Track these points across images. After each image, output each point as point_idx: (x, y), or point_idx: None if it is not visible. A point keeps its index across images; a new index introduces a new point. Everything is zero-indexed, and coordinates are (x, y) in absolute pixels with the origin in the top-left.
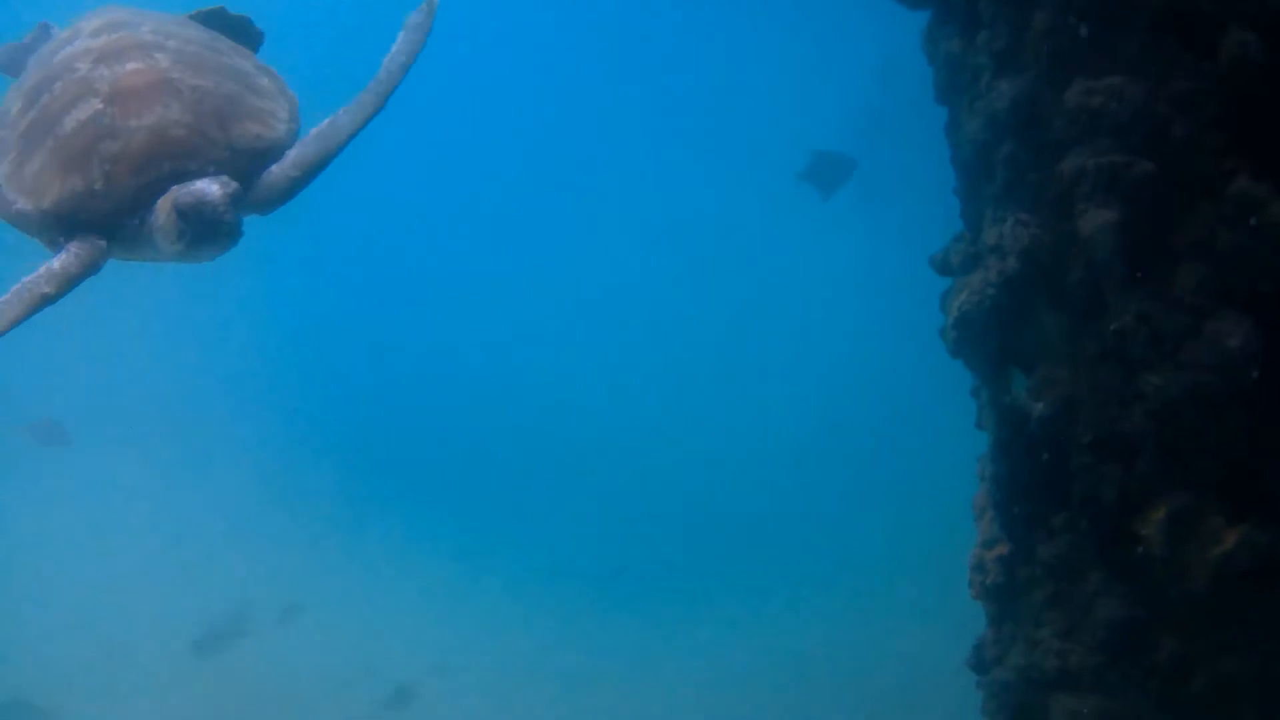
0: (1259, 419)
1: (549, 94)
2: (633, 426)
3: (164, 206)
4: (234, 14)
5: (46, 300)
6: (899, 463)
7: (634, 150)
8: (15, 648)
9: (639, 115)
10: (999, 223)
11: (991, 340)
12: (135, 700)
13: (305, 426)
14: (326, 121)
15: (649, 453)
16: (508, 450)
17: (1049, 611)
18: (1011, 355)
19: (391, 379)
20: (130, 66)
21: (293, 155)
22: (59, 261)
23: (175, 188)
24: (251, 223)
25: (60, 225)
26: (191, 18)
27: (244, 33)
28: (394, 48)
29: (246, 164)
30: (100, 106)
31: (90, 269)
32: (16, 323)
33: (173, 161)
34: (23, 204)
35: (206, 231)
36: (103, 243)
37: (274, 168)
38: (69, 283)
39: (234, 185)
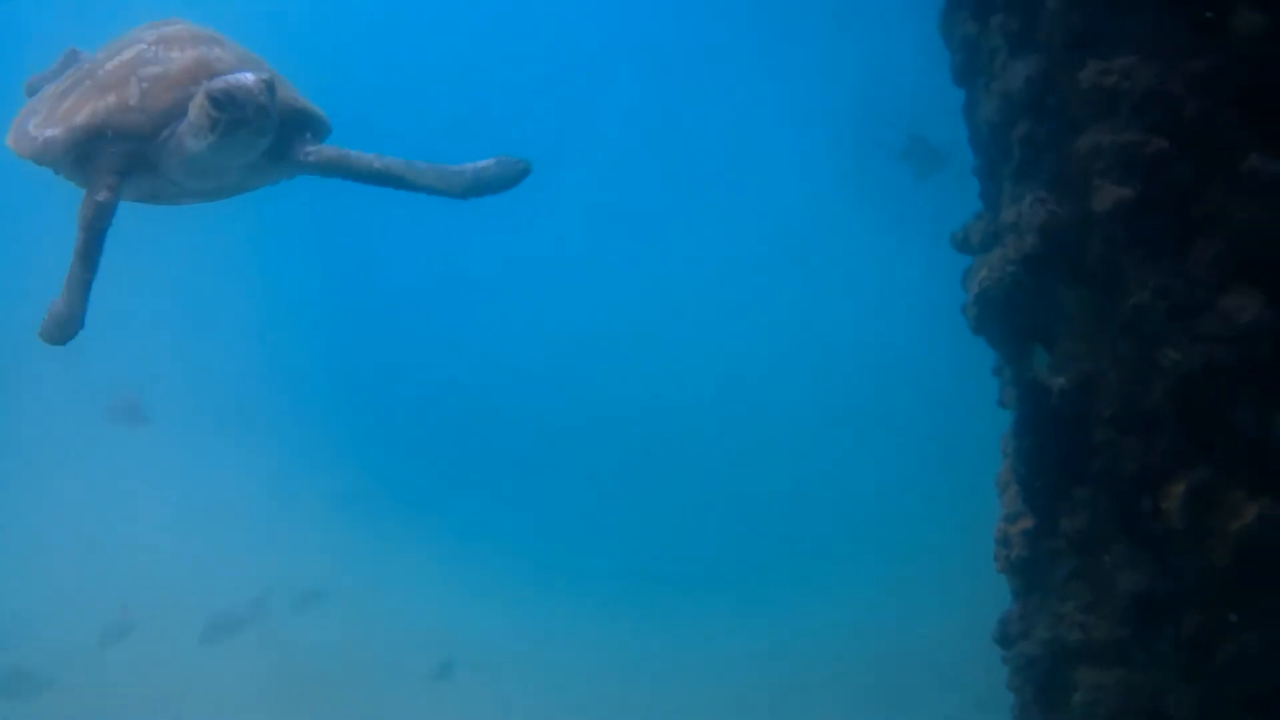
0: (1274, 393)
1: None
2: (655, 421)
3: (196, 102)
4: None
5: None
6: (923, 444)
7: (664, 137)
8: (21, 620)
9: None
10: (1017, 201)
11: (1012, 317)
12: (134, 683)
13: (330, 416)
14: (403, 161)
15: (673, 445)
16: (537, 439)
17: (1073, 585)
18: (1032, 331)
19: (422, 371)
20: (179, 28)
21: (355, 152)
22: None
23: (206, 82)
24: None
25: (88, 141)
26: None
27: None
28: (484, 169)
29: (282, 114)
30: (145, 46)
31: (102, 213)
32: (86, 286)
33: (207, 82)
34: (51, 130)
35: (239, 115)
36: (105, 193)
37: (327, 146)
38: (93, 234)
39: (269, 72)
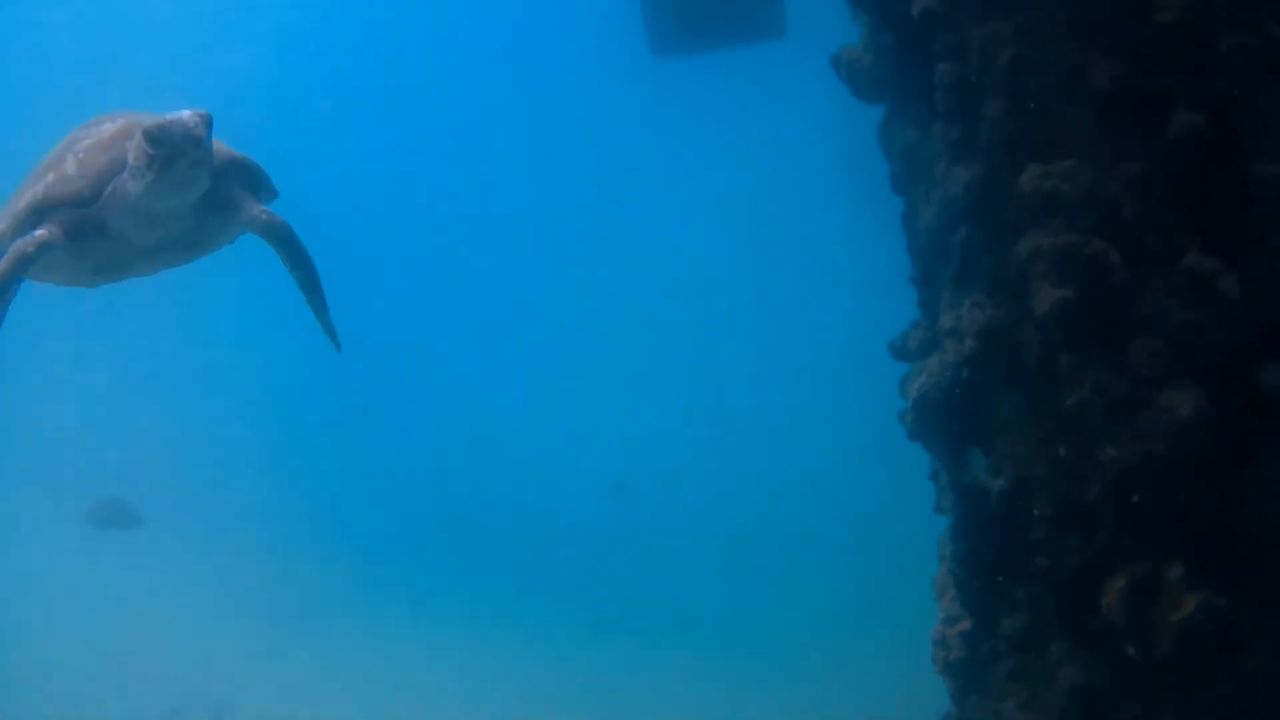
0: (1212, 486)
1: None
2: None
3: (134, 143)
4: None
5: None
6: (858, 547)
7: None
8: None
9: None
10: (956, 306)
11: (950, 421)
12: None
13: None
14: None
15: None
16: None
17: (1012, 684)
18: (970, 435)
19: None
20: (110, 114)
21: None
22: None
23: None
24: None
25: (32, 218)
26: None
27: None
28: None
29: (223, 161)
30: (76, 132)
31: (24, 261)
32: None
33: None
34: (1, 225)
35: (175, 148)
36: (43, 233)
37: (281, 219)
38: (5, 278)
39: (205, 111)
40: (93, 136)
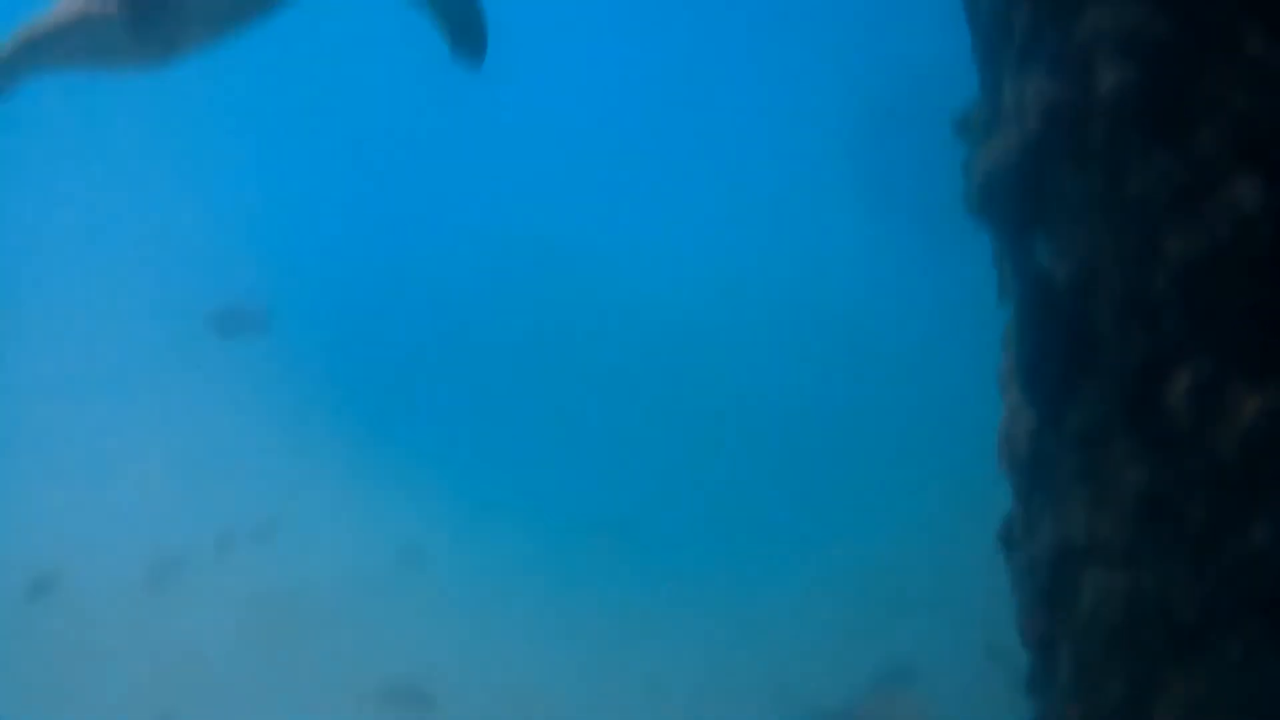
0: (1276, 283)
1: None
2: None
3: None
4: None
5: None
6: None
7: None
8: None
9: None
10: (1019, 85)
11: (1014, 203)
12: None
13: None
14: None
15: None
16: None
17: (1077, 483)
18: (1035, 218)
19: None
20: None
21: None
22: None
23: None
24: None
25: None
26: None
27: None
28: None
29: None
30: None
31: None
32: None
33: None
34: None
35: None
36: None
37: None
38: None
39: None
40: None
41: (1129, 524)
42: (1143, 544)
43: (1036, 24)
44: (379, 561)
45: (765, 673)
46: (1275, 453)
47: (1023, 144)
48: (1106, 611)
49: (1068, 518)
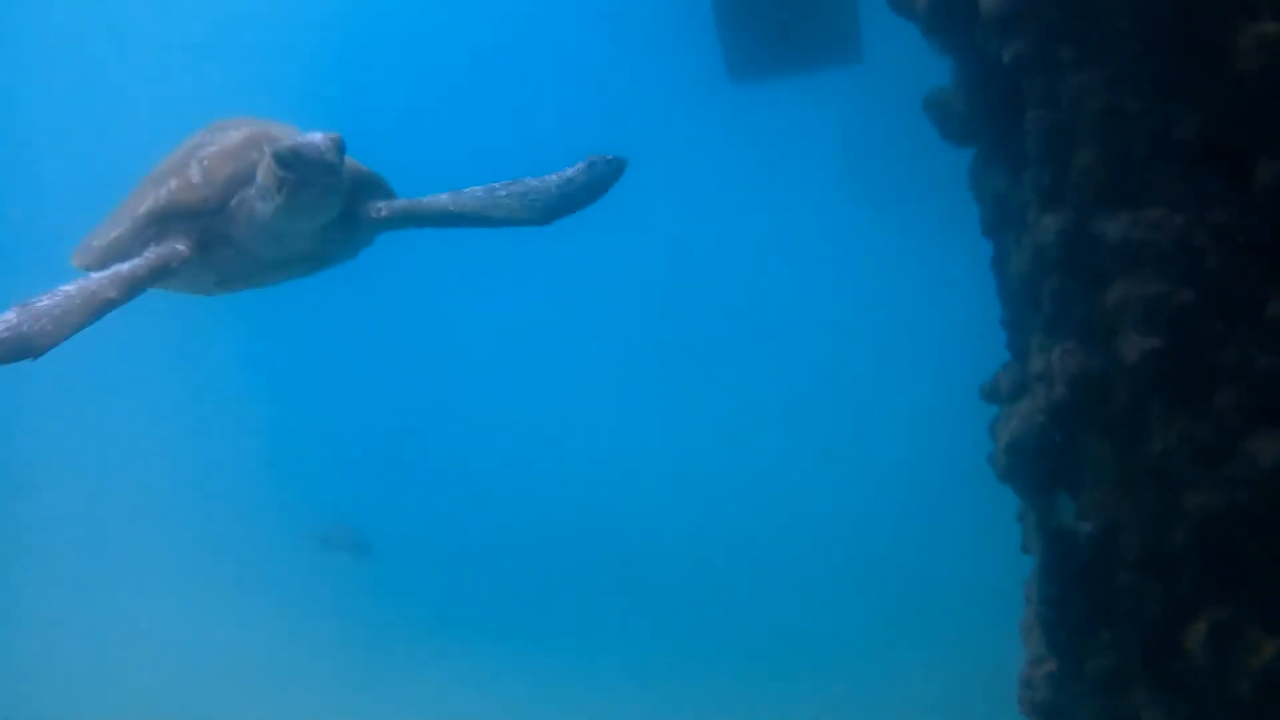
0: None
1: None
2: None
3: (264, 164)
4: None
5: (109, 305)
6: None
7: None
8: None
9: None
10: (1046, 351)
11: (1040, 464)
12: None
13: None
14: (480, 191)
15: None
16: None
17: None
18: (1059, 479)
19: None
20: (230, 120)
21: (426, 198)
22: (128, 265)
23: (269, 146)
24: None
25: (153, 225)
26: None
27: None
28: (571, 179)
29: (351, 178)
30: (198, 136)
31: (160, 273)
32: (79, 329)
33: (271, 145)
34: (116, 231)
35: (307, 174)
36: (181, 247)
37: (397, 199)
38: (135, 286)
39: (337, 135)
40: (217, 143)
41: None
42: None
43: (1064, 293)
44: None
45: None
46: None
47: (1050, 407)
48: None
49: None
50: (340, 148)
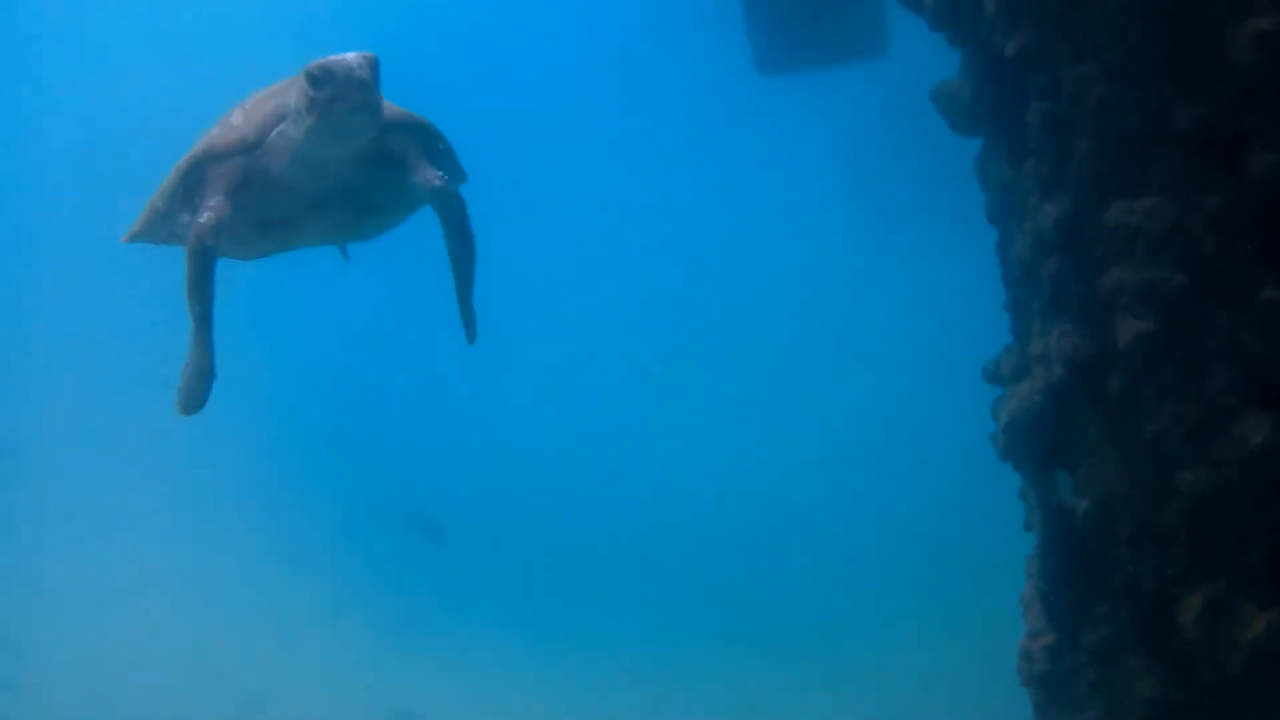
0: None
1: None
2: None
3: (297, 87)
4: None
5: (206, 249)
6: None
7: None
8: None
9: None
10: (1045, 334)
11: (1039, 444)
12: None
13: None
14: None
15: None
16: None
17: (1092, 696)
18: (1058, 457)
19: None
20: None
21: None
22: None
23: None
24: None
25: (194, 171)
26: None
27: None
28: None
29: (388, 115)
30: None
31: (216, 232)
32: (195, 282)
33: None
34: (170, 180)
35: (337, 90)
36: (220, 198)
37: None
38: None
39: (371, 54)
40: (263, 91)
41: None
42: None
43: (1063, 278)
44: None
45: None
46: (1277, 666)
47: (1048, 388)
48: None
49: None
50: (374, 65)
